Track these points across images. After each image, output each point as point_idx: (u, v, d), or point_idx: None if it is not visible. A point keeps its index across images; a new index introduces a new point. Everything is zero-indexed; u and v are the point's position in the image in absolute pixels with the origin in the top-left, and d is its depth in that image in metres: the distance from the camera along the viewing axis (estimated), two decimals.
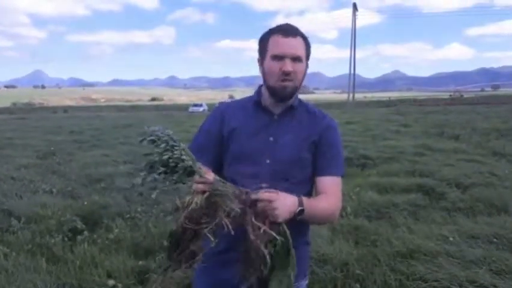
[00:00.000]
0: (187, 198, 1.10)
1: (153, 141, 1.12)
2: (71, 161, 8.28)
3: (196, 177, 1.11)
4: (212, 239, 1.11)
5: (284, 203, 1.16)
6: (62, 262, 3.21)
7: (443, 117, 17.66)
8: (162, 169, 1.09)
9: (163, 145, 1.11)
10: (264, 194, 1.14)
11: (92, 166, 7.40)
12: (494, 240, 3.35)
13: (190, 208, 1.09)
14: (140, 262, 3.15)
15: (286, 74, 1.27)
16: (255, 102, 1.40)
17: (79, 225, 3.89)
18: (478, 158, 7.38)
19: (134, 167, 7.20)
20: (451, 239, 3.38)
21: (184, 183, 1.11)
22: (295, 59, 1.27)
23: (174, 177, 1.10)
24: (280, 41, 1.28)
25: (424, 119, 17.12)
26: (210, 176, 1.13)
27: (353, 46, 37.37)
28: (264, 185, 1.28)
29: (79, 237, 3.64)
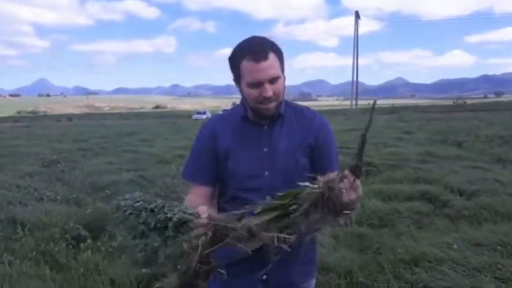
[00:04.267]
0: (193, 242, 1.08)
1: (130, 214, 1.08)
2: (75, 168, 8.32)
3: (191, 224, 1.08)
4: (224, 272, 1.11)
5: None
6: (65, 270, 3.23)
7: (446, 124, 17.61)
8: (153, 234, 1.06)
9: (143, 214, 1.07)
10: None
11: (96, 174, 7.43)
12: (499, 247, 3.33)
13: (199, 251, 1.07)
14: (144, 270, 3.15)
15: (267, 98, 1.25)
16: (242, 118, 1.37)
17: (83, 232, 3.90)
18: (482, 165, 7.35)
19: (138, 174, 7.23)
20: (455, 246, 3.36)
21: (184, 234, 1.08)
22: (273, 80, 1.25)
23: (172, 234, 1.06)
24: (252, 68, 1.22)
25: (427, 126, 17.08)
26: (204, 215, 1.09)
27: (356, 53, 37.47)
28: (268, 198, 1.30)
29: (83, 245, 3.65)
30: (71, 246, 3.68)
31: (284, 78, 1.32)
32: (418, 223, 4.28)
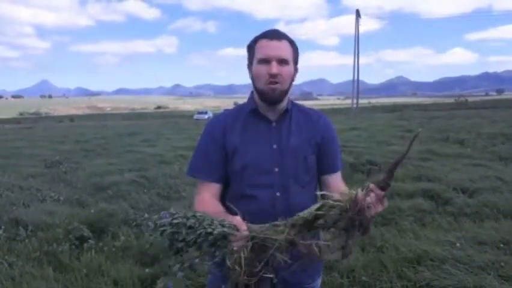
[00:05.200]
0: (234, 256, 1.09)
1: (173, 233, 1.09)
2: (77, 169, 8.33)
3: (231, 237, 1.09)
4: (272, 276, 1.11)
5: None
6: (69, 270, 3.23)
7: (448, 122, 17.57)
8: (191, 250, 1.07)
9: (183, 231, 1.08)
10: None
11: (99, 174, 7.45)
12: (502, 245, 3.32)
13: (244, 265, 1.07)
14: (147, 270, 3.15)
15: (273, 77, 1.28)
16: (251, 111, 1.39)
17: (86, 233, 3.91)
18: (484, 163, 7.34)
19: (140, 174, 7.24)
20: (458, 244, 3.36)
21: (221, 247, 1.09)
22: (281, 61, 1.29)
23: (210, 249, 1.08)
24: (265, 44, 1.30)
25: (429, 124, 17.04)
26: (243, 227, 1.11)
27: (357, 52, 37.41)
28: (277, 194, 1.31)
29: (86, 245, 3.66)
30: (74, 247, 3.69)
31: (295, 70, 1.36)
32: (421, 221, 4.27)
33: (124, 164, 8.81)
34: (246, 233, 1.09)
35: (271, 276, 1.11)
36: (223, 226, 1.08)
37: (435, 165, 7.35)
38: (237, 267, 1.08)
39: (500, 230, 3.70)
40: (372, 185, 1.08)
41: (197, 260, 1.08)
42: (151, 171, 7.73)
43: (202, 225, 1.07)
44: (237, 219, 1.13)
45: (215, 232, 1.06)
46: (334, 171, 1.43)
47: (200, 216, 1.10)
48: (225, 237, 1.08)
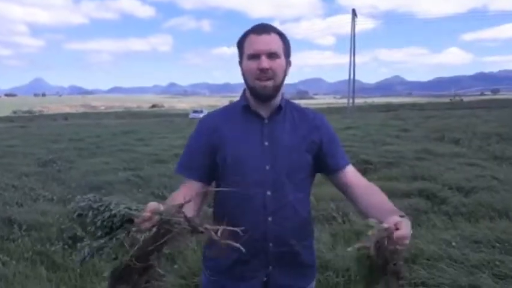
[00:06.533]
0: (135, 238, 1.03)
1: (80, 215, 1.09)
2: (71, 168, 8.28)
3: (136, 220, 1.03)
4: (162, 272, 1.04)
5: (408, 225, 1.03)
6: (62, 270, 3.20)
7: (444, 122, 17.65)
8: (101, 233, 1.06)
9: (90, 213, 1.07)
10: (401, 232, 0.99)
11: (92, 173, 7.41)
12: (497, 244, 3.33)
13: (136, 247, 1.01)
14: None
15: (263, 71, 1.24)
16: (243, 108, 1.36)
17: (79, 232, 3.88)
18: (479, 162, 7.37)
19: (134, 173, 7.20)
20: (453, 243, 3.36)
21: (130, 231, 1.05)
22: (271, 55, 1.25)
23: (118, 232, 1.05)
24: (254, 40, 1.26)
25: (424, 124, 17.11)
26: (147, 209, 1.02)
27: (353, 51, 37.48)
28: (268, 192, 1.28)
29: (79, 245, 3.63)
30: (67, 246, 3.65)
31: (288, 63, 1.32)
32: (416, 220, 4.27)
33: (118, 163, 8.77)
34: (146, 214, 1.01)
35: (161, 272, 1.04)
36: (129, 209, 1.05)
37: (430, 164, 7.37)
38: (130, 248, 1.02)
39: (496, 229, 3.71)
40: (391, 227, 0.99)
41: (103, 241, 1.06)
42: (146, 170, 7.69)
43: (108, 208, 1.05)
44: (151, 203, 1.04)
45: (118, 214, 1.04)
46: (344, 165, 1.38)
47: (109, 199, 1.09)
48: (132, 219, 1.04)
